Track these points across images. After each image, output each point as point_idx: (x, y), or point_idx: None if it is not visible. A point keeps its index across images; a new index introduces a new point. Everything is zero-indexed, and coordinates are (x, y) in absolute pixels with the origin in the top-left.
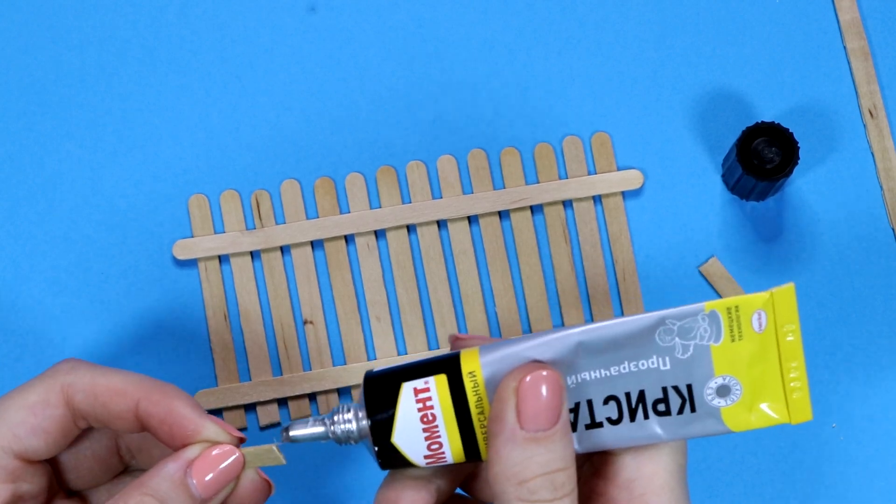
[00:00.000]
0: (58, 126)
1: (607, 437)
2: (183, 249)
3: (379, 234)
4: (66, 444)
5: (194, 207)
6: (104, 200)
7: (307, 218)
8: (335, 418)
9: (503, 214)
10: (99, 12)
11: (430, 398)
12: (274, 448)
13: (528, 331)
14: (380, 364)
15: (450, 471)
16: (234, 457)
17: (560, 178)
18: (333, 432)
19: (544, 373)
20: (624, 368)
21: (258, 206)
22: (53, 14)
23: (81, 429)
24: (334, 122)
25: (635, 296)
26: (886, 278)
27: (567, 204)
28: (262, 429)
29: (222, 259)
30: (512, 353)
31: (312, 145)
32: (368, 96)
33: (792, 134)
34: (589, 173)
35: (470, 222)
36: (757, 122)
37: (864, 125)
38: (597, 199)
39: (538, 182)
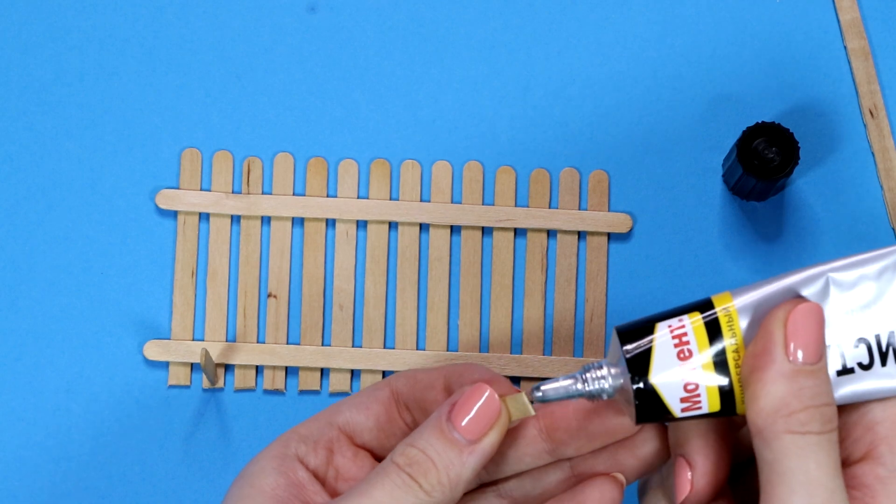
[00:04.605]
0: (58, 126)
1: (859, 384)
2: (166, 199)
3: (360, 225)
4: (388, 431)
5: (186, 160)
6: (104, 200)
7: (294, 194)
8: (587, 375)
9: (486, 231)
10: (99, 12)
11: (685, 333)
12: (524, 396)
13: (486, 350)
14: (333, 353)
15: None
16: (486, 394)
17: (551, 206)
18: (586, 388)
19: (810, 305)
20: (875, 307)
21: (248, 172)
22: (53, 14)
23: (405, 423)
24: (334, 121)
25: (598, 339)
26: None
27: (552, 234)
28: (205, 390)
29: (202, 216)
30: (765, 291)
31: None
32: (368, 97)
33: (792, 134)
34: (580, 208)
35: (452, 231)
36: (757, 122)
37: (865, 125)
38: (582, 235)
39: (528, 206)
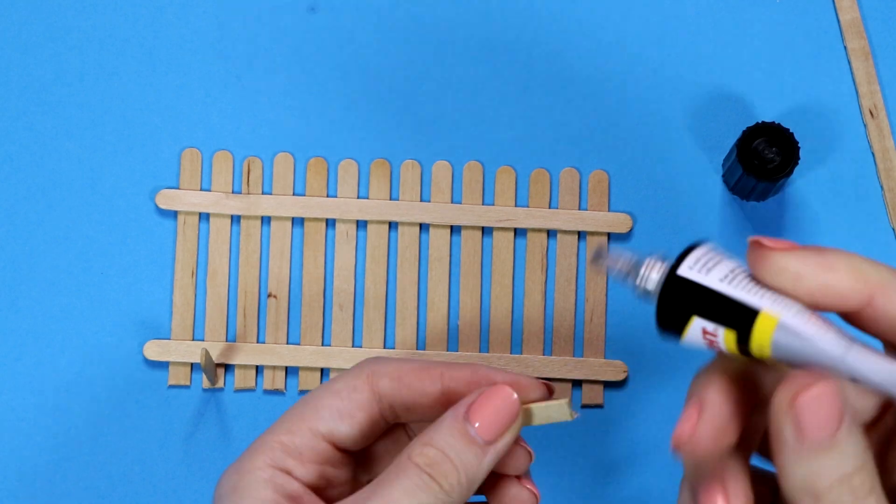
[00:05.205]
0: (58, 126)
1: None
2: (166, 199)
3: (360, 225)
4: (372, 435)
5: (186, 160)
6: (104, 200)
7: (294, 193)
8: (643, 267)
9: (486, 231)
10: (99, 12)
11: (716, 342)
12: (565, 403)
13: (486, 350)
14: (333, 353)
15: None
16: (504, 394)
17: (551, 206)
18: (639, 275)
19: (816, 389)
20: None
21: (248, 172)
22: (53, 14)
23: (388, 422)
24: (333, 121)
25: (598, 339)
26: None
27: (552, 234)
28: (205, 390)
29: (202, 216)
30: (807, 347)
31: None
32: (368, 97)
33: (792, 134)
34: (581, 208)
35: (452, 231)
36: (757, 122)
37: (865, 125)
38: (582, 236)
39: (528, 206)
